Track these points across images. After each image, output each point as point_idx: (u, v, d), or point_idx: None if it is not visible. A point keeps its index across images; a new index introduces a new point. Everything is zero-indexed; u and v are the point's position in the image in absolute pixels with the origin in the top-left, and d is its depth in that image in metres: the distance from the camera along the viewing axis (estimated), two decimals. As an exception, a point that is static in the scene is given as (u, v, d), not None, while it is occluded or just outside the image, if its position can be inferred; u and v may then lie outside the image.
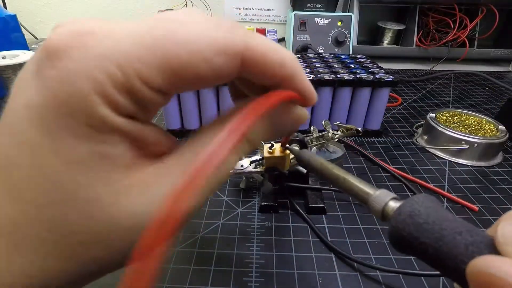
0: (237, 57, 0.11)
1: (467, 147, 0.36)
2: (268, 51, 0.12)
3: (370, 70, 0.41)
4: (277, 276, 0.23)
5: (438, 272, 0.22)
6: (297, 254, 0.24)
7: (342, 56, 0.48)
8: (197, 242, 0.25)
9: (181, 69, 0.10)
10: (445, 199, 0.31)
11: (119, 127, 0.10)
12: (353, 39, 0.68)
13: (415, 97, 0.56)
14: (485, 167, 0.36)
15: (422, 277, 0.22)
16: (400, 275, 0.23)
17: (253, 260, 0.24)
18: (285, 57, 0.13)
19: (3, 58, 0.46)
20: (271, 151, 0.25)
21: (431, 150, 0.39)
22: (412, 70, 0.70)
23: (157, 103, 0.11)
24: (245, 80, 0.14)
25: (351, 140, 0.41)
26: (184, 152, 0.12)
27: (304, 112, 0.15)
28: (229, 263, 0.24)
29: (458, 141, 0.37)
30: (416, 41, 0.70)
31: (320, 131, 0.33)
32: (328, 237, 0.26)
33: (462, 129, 0.38)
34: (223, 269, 0.23)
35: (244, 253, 0.25)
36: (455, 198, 0.30)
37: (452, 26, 0.67)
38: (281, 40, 0.80)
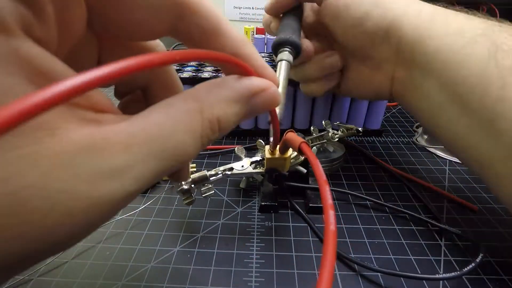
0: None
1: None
2: (207, 2, 0.12)
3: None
4: (277, 276, 0.23)
5: (440, 276, 0.22)
6: (297, 254, 0.24)
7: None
8: (197, 242, 0.25)
9: None
10: (445, 198, 0.31)
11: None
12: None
13: (415, 97, 0.56)
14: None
15: (423, 281, 0.22)
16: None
17: (253, 259, 0.24)
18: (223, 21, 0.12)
19: None
20: (272, 152, 0.25)
21: (432, 150, 0.39)
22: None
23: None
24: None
25: (351, 140, 0.40)
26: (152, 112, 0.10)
27: (265, 83, 0.13)
28: (229, 263, 0.24)
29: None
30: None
31: (320, 131, 0.33)
32: (328, 237, 0.26)
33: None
34: (223, 269, 0.23)
35: (244, 252, 0.25)
36: (455, 197, 0.30)
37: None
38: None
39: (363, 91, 0.31)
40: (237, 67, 0.12)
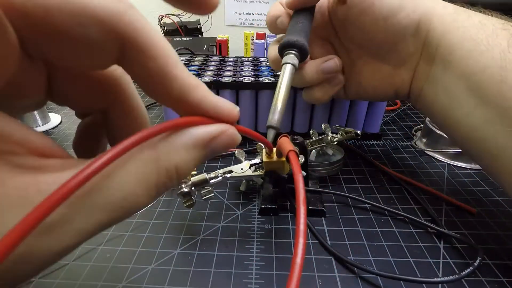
0: (113, 23, 0.10)
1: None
2: (159, 39, 0.11)
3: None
4: (277, 278, 0.23)
5: (439, 279, 0.22)
6: (297, 256, 0.25)
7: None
8: (197, 244, 0.26)
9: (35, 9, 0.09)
10: (444, 201, 0.31)
11: None
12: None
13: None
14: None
15: (423, 284, 0.23)
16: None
17: (253, 262, 0.24)
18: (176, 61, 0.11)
19: None
20: (270, 155, 0.25)
21: (430, 153, 0.39)
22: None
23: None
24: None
25: (350, 143, 0.41)
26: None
27: (222, 127, 0.13)
28: (229, 265, 0.24)
29: (457, 144, 0.37)
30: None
31: (319, 134, 0.34)
32: (328, 240, 0.26)
33: (461, 133, 0.39)
34: (223, 271, 0.23)
35: (244, 255, 0.25)
36: (454, 200, 0.31)
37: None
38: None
39: (382, 91, 0.30)
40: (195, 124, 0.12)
